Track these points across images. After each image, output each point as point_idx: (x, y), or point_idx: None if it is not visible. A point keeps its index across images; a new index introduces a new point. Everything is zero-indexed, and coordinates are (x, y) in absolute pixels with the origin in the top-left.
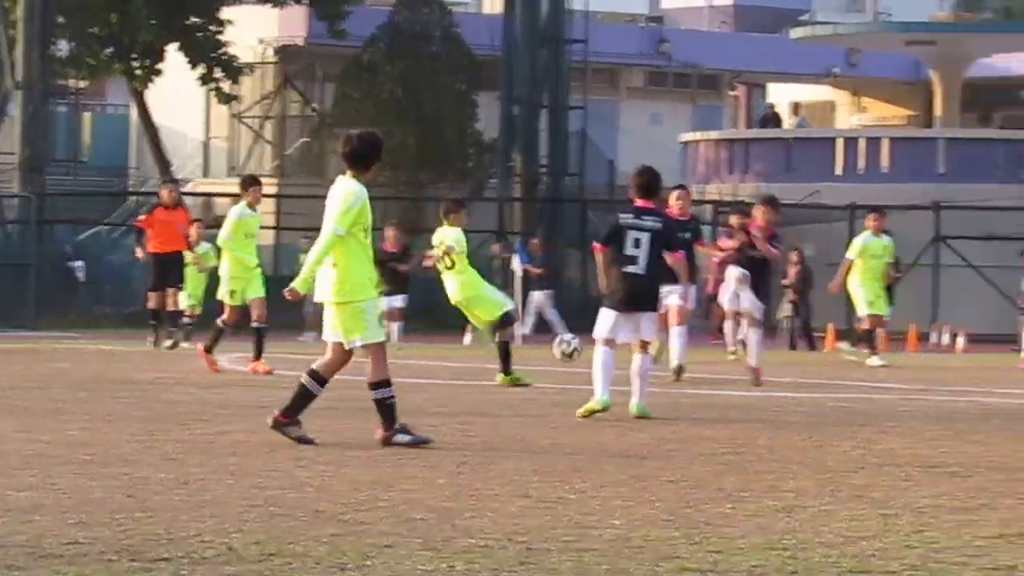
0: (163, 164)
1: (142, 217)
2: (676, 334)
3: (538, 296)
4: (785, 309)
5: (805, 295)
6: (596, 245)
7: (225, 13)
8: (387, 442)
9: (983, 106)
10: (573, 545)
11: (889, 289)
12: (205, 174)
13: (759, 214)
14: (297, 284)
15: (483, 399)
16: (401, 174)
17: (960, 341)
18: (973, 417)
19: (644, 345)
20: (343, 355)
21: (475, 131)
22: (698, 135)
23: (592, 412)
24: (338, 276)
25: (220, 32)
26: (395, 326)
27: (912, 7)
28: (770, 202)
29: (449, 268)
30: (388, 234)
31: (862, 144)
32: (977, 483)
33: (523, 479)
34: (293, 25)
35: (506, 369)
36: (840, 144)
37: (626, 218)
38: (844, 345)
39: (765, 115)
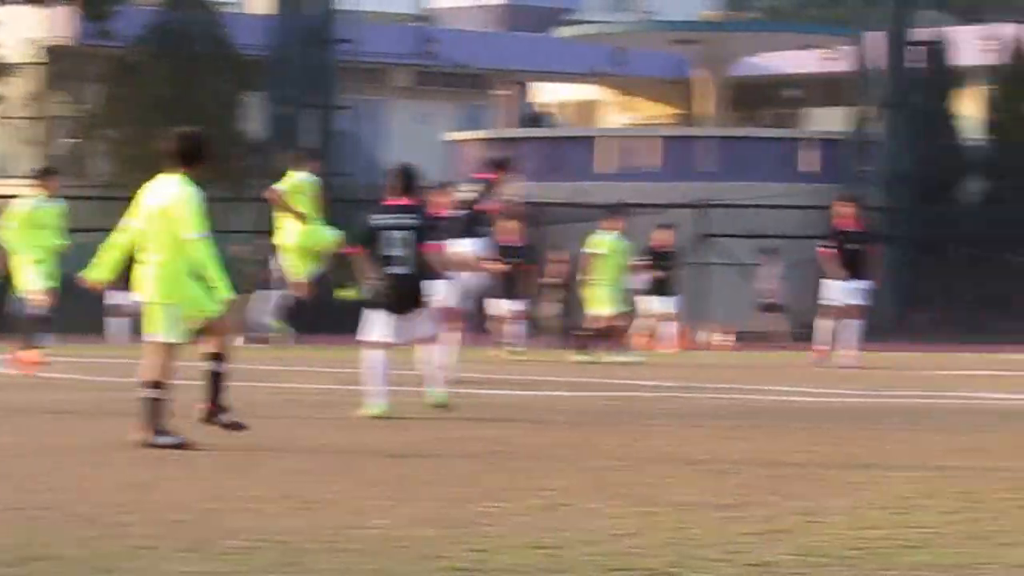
0: None
1: None
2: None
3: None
4: (552, 308)
5: (572, 294)
6: (352, 249)
7: None
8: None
9: (750, 105)
10: (337, 545)
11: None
12: None
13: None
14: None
15: (246, 400)
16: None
17: (728, 339)
18: (739, 414)
19: (433, 339)
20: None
21: (241, 131)
22: (464, 134)
23: (375, 417)
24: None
25: None
26: None
27: (679, 6)
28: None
29: None
30: None
31: (630, 143)
32: (741, 480)
33: (286, 479)
34: (61, 25)
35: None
36: (608, 143)
37: (381, 218)
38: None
39: (531, 114)
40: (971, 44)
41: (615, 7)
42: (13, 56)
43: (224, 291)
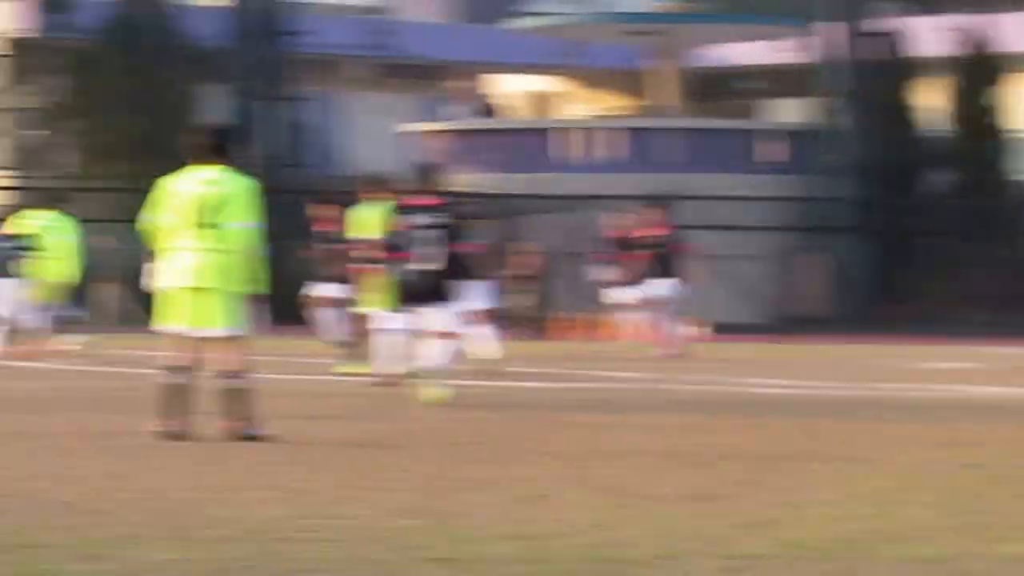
0: None
1: None
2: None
3: None
4: (519, 299)
5: (538, 284)
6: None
7: None
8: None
9: (704, 95)
10: (318, 535)
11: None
12: None
13: None
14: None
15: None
16: (126, 165)
17: (700, 331)
18: (717, 407)
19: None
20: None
21: (201, 123)
22: (419, 126)
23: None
24: (229, 264)
25: None
26: None
27: None
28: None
29: None
30: None
31: (586, 135)
32: (722, 472)
33: (267, 470)
34: (25, 18)
35: None
36: (565, 133)
37: (406, 216)
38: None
39: (485, 106)
40: (929, 35)
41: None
42: None
43: (263, 285)
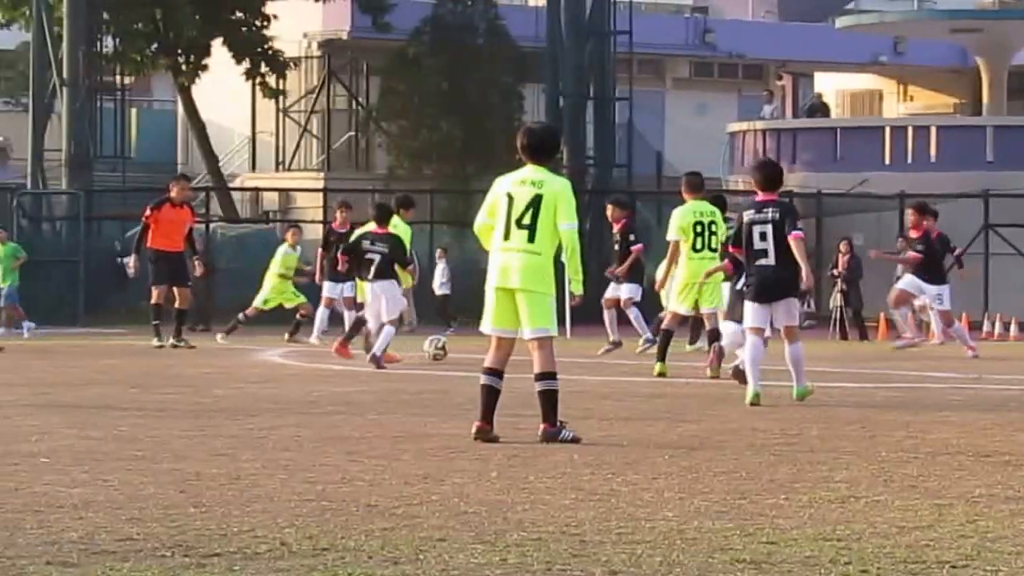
0: (210, 159)
1: (148, 212)
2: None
3: None
4: (836, 299)
5: (855, 285)
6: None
7: (269, 8)
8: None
9: None
10: (626, 537)
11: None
12: (252, 168)
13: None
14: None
15: (531, 392)
16: (447, 167)
17: (1012, 329)
18: None
19: (789, 332)
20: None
21: (521, 123)
22: (745, 125)
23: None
24: (546, 266)
25: (265, 27)
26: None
27: None
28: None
29: None
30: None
31: (910, 133)
32: None
33: (574, 472)
34: (337, 19)
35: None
36: (887, 133)
37: (750, 214)
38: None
39: (812, 104)
40: None
41: None
42: (290, 50)
43: (579, 286)
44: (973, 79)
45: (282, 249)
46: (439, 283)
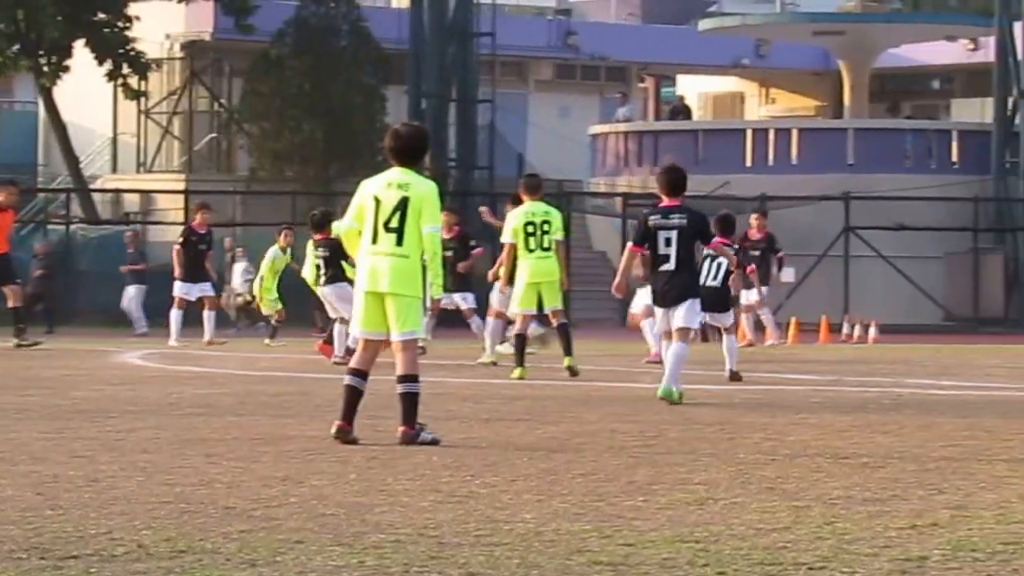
0: (71, 160)
1: None
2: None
3: None
4: None
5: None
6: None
7: (132, 9)
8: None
9: (891, 96)
10: (485, 539)
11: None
12: (113, 170)
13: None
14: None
15: (392, 394)
16: (309, 169)
17: (872, 332)
18: (885, 408)
19: (682, 332)
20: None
21: (384, 125)
22: (607, 127)
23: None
24: (414, 269)
25: (127, 28)
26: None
27: None
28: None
29: None
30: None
31: (771, 135)
32: (888, 474)
33: (433, 474)
34: (200, 20)
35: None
36: (749, 135)
37: (655, 218)
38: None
39: (674, 107)
40: None
41: None
42: (153, 51)
43: (439, 290)
44: (835, 82)
45: (273, 251)
46: (240, 282)
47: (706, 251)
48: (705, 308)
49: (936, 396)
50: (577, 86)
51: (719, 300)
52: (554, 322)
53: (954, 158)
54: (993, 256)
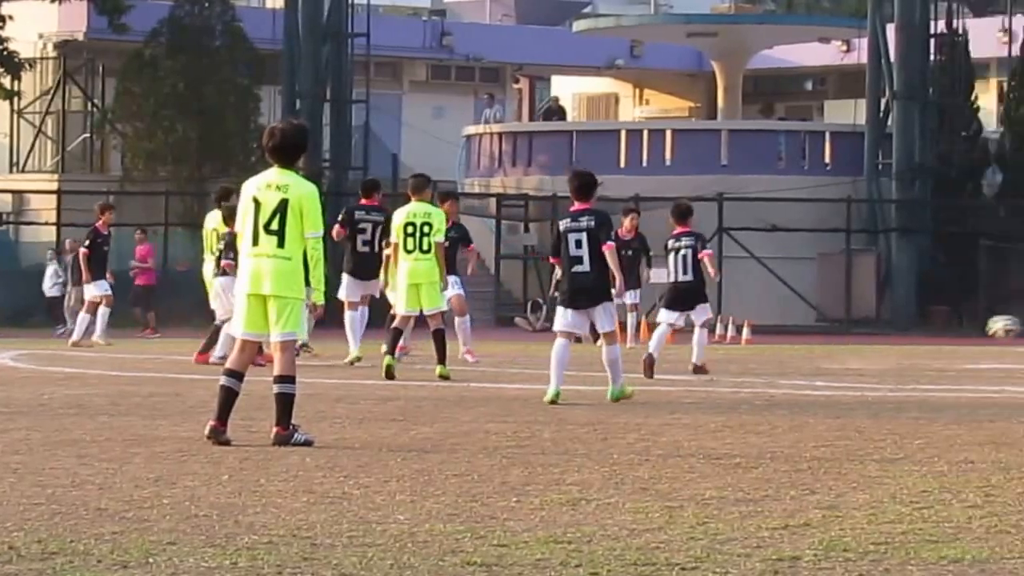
0: None
1: None
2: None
3: None
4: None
5: None
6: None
7: (5, 8)
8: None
9: (765, 97)
10: (358, 540)
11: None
12: None
13: None
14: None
15: (265, 395)
16: (183, 169)
17: (744, 332)
18: (758, 408)
19: (608, 336)
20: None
21: (258, 125)
22: (481, 128)
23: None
24: (296, 271)
25: (0, 28)
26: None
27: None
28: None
29: None
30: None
31: (645, 136)
32: (761, 474)
33: (307, 475)
34: (73, 20)
35: None
36: (623, 136)
37: (565, 222)
38: None
39: (549, 108)
40: (987, 36)
41: (630, 0)
42: (26, 51)
43: (321, 296)
44: (709, 83)
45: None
46: (50, 284)
47: (671, 244)
48: (682, 306)
49: (808, 397)
50: (452, 87)
51: (694, 294)
52: (431, 326)
53: (827, 159)
54: (865, 257)
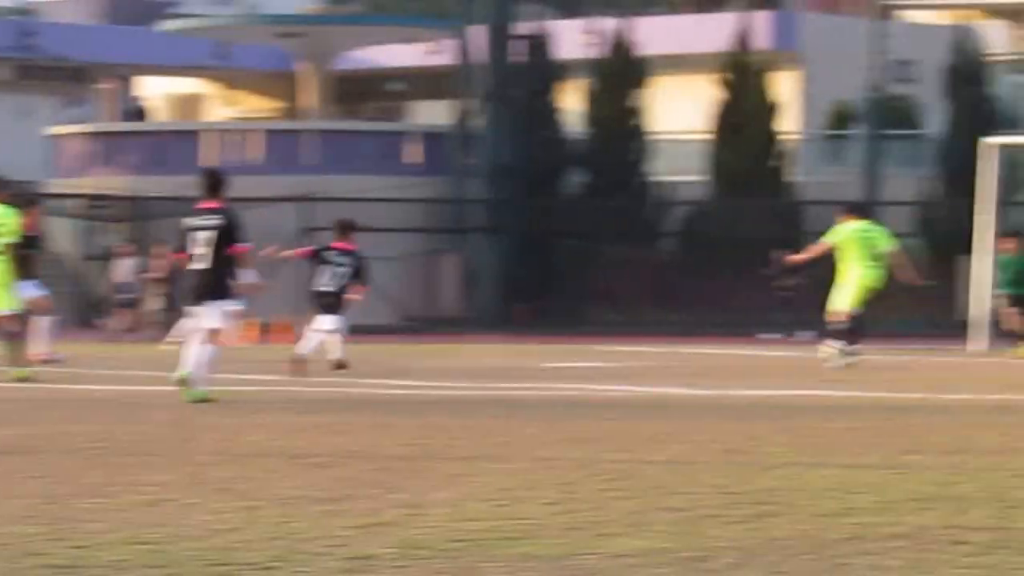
0: None
1: None
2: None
3: None
4: (157, 302)
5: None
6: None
7: None
8: None
9: (353, 98)
10: None
11: None
12: None
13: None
14: None
15: None
16: None
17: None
18: (339, 407)
19: (211, 334)
20: None
21: None
22: (66, 129)
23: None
24: None
25: None
26: None
27: (285, 0)
28: None
29: None
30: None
31: (233, 136)
32: (342, 473)
33: None
34: None
35: None
36: (210, 136)
37: (191, 219)
38: None
39: (132, 108)
40: (573, 38)
41: (219, 0)
42: None
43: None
44: (297, 83)
45: None
46: None
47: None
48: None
49: (391, 396)
50: (38, 87)
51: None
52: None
53: (413, 159)
54: (450, 257)
